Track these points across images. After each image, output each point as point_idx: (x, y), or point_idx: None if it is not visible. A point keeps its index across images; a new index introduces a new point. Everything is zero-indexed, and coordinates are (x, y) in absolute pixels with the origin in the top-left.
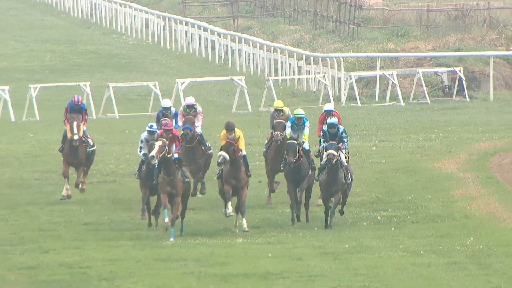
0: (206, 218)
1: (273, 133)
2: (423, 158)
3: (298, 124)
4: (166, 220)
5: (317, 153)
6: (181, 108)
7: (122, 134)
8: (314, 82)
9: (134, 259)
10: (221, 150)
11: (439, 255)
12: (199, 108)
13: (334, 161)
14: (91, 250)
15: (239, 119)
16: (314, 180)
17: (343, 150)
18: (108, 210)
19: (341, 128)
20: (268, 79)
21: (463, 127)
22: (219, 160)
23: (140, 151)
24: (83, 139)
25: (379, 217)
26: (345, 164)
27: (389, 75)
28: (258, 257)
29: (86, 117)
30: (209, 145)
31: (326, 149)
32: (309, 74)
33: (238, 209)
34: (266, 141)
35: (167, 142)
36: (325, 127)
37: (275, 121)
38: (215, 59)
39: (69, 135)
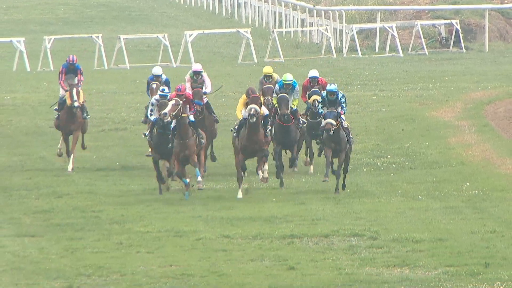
0: (213, 164)
1: (264, 98)
2: (421, 106)
3: (286, 89)
4: (197, 183)
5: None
6: (188, 76)
7: (132, 84)
8: (316, 34)
9: (144, 203)
10: (247, 104)
11: (436, 200)
12: (204, 74)
13: (331, 132)
14: (103, 195)
15: (245, 70)
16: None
17: (343, 116)
18: (119, 157)
19: (340, 93)
20: (273, 31)
21: (460, 77)
22: (251, 112)
23: (151, 115)
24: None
25: (379, 163)
26: (346, 125)
27: (388, 27)
28: (263, 201)
29: (82, 78)
30: (214, 114)
31: (325, 117)
32: (312, 26)
33: (257, 166)
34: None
35: (181, 102)
36: (324, 94)
37: (264, 86)
38: (222, 12)
39: (68, 102)
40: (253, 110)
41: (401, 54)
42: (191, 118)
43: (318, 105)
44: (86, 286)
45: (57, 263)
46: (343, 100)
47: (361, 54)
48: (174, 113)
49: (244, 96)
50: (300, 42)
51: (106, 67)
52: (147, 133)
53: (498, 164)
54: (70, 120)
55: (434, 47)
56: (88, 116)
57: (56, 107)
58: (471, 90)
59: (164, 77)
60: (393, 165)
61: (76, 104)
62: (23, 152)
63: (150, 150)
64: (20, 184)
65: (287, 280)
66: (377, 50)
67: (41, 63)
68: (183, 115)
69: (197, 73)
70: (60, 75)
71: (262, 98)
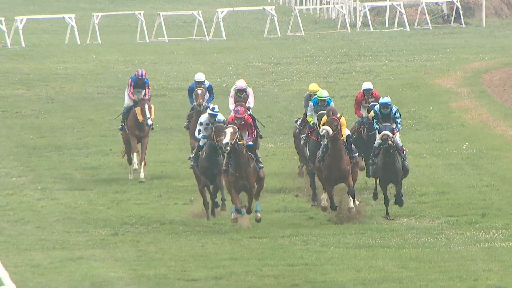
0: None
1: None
2: (425, 75)
3: (321, 106)
4: (233, 216)
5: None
6: (232, 92)
7: (170, 55)
8: (333, 11)
9: (181, 161)
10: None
11: (439, 158)
12: (249, 89)
13: (389, 142)
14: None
15: (269, 42)
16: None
17: (398, 135)
18: (159, 119)
19: (394, 107)
20: (294, 8)
21: (460, 49)
22: (322, 133)
23: (199, 134)
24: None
25: None
26: (400, 144)
27: (397, 5)
28: (287, 159)
29: (149, 92)
30: (258, 129)
31: (380, 130)
32: (329, 4)
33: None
34: (297, 120)
35: (237, 129)
36: (377, 108)
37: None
38: None
39: (140, 118)
40: (324, 131)
41: (408, 29)
42: (250, 142)
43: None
44: (129, 234)
45: (104, 214)
46: (397, 115)
47: (373, 29)
48: (232, 142)
49: (325, 116)
50: (318, 18)
51: (147, 41)
52: (192, 155)
53: (493, 126)
54: (138, 128)
55: (437, 22)
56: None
57: (121, 123)
58: (469, 60)
59: (207, 83)
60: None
61: (149, 122)
62: (74, 115)
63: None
64: (71, 143)
65: (307, 228)
66: (386, 25)
67: (90, 37)
68: (239, 142)
69: (241, 90)
70: (129, 87)
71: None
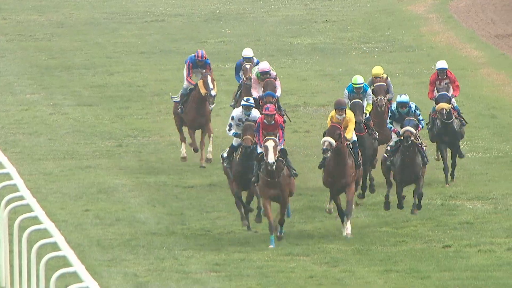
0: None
1: (376, 98)
2: (399, 2)
3: (357, 93)
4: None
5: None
6: (254, 75)
7: None
8: None
9: (178, 79)
10: (324, 135)
11: (410, 77)
12: (274, 73)
13: (410, 140)
14: (146, 73)
15: None
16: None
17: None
18: (159, 42)
19: (413, 105)
20: None
21: None
22: (324, 147)
23: (230, 130)
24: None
25: (364, 48)
26: (420, 141)
27: None
28: None
29: (212, 73)
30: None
31: (403, 126)
32: None
33: (345, 210)
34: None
35: (278, 141)
36: (393, 106)
37: (375, 84)
38: None
39: (203, 91)
40: (326, 144)
41: None
42: (282, 146)
43: (445, 113)
44: (132, 145)
45: (109, 127)
46: (418, 112)
47: None
48: (277, 157)
49: (333, 112)
50: None
51: None
52: (224, 154)
53: (459, 48)
54: (199, 113)
55: None
56: (212, 106)
57: (176, 98)
58: None
59: (255, 59)
60: (376, 49)
61: (213, 92)
62: (82, 38)
63: (229, 183)
64: (80, 64)
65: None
66: None
67: None
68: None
69: (264, 73)
70: (187, 70)
71: (369, 107)
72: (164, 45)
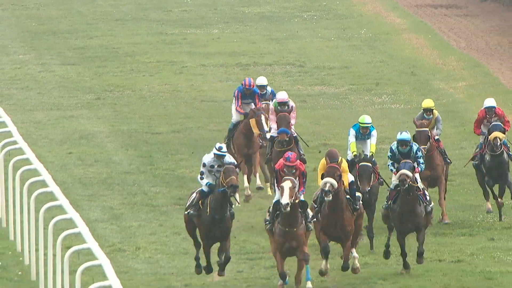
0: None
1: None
2: None
3: (363, 134)
4: (279, 284)
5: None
6: (272, 105)
7: None
8: None
9: (149, 42)
10: (323, 177)
11: (343, 40)
12: (292, 103)
13: (407, 184)
14: (120, 37)
15: None
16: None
17: (418, 176)
18: (131, 11)
19: (415, 146)
20: None
21: None
22: (326, 188)
23: (202, 178)
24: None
25: (305, 16)
26: (421, 186)
27: None
28: None
29: (260, 103)
30: (302, 151)
31: (398, 169)
32: None
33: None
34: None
35: (296, 183)
36: (393, 145)
37: (416, 130)
38: None
39: (256, 131)
40: (328, 185)
41: None
42: (301, 197)
43: (499, 143)
44: (109, 98)
45: (89, 83)
46: (419, 154)
47: None
48: (292, 200)
49: (323, 160)
50: None
51: None
52: (191, 208)
53: (385, 16)
54: (247, 145)
55: None
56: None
57: (226, 140)
58: None
59: (269, 89)
60: (315, 17)
61: (268, 135)
62: (66, 7)
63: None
64: (64, 29)
65: None
66: None
67: None
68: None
69: (282, 104)
70: (236, 100)
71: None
72: (136, 14)
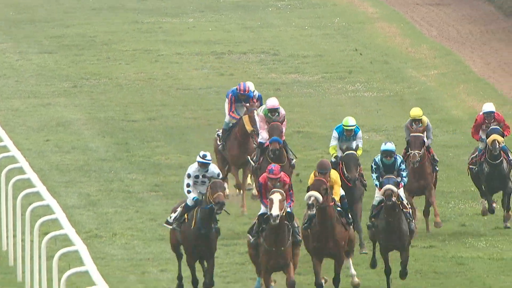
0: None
1: (410, 153)
2: None
3: (348, 136)
4: None
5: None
6: (261, 113)
7: None
8: None
9: (125, 31)
10: (308, 190)
11: (317, 29)
12: (282, 111)
13: (392, 199)
14: (97, 26)
15: None
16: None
17: (402, 191)
18: (108, 0)
19: (399, 158)
20: None
21: None
22: (310, 202)
23: (189, 192)
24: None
25: (279, 5)
26: (405, 202)
27: None
28: None
29: (255, 104)
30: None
31: (381, 184)
32: None
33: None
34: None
35: (285, 195)
36: (377, 158)
37: (410, 134)
38: None
39: (248, 127)
40: (312, 199)
41: None
42: (288, 209)
43: (497, 146)
44: (85, 86)
45: (67, 71)
46: (403, 166)
47: None
48: (282, 213)
49: (313, 173)
50: None
51: None
52: (171, 218)
53: (358, 5)
54: (242, 150)
55: None
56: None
57: (221, 141)
58: None
59: (257, 93)
60: (289, 6)
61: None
62: None
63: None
64: (41, 18)
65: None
66: None
67: None
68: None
69: (272, 111)
70: (229, 104)
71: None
72: (112, 3)
